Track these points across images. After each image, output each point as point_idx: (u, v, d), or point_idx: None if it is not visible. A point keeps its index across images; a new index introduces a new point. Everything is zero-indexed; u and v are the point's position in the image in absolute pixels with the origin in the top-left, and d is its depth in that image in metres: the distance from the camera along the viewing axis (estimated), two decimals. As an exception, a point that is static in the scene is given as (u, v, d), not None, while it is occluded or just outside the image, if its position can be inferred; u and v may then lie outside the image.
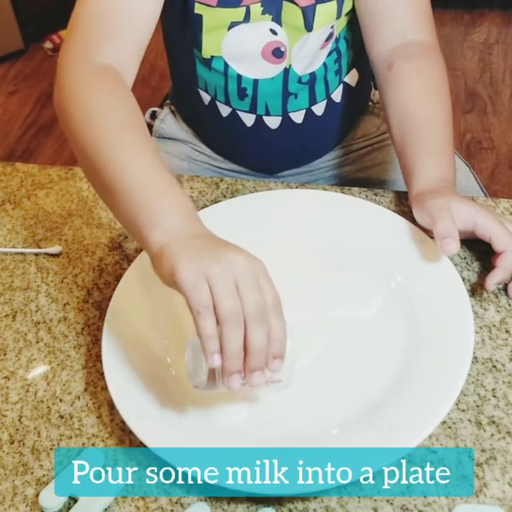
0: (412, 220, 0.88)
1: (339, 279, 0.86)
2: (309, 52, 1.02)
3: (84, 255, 0.95)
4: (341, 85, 1.11)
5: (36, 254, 0.95)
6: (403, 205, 0.96)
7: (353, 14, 1.03)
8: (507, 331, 0.82)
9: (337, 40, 1.05)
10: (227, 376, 0.64)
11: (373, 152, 1.21)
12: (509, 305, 0.84)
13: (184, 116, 1.22)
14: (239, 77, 1.03)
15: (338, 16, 1.00)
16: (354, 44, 1.09)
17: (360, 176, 1.21)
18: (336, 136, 1.20)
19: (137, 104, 0.81)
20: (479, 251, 0.90)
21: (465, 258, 0.89)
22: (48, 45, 2.86)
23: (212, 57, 1.01)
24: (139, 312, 0.83)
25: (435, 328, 0.79)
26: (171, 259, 0.66)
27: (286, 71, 1.03)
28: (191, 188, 1.00)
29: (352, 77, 1.12)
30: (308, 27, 0.98)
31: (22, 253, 0.96)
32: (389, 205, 0.96)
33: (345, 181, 1.22)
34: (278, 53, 1.00)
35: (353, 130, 1.21)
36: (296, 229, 0.90)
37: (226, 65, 1.02)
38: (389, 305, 0.83)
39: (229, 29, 0.98)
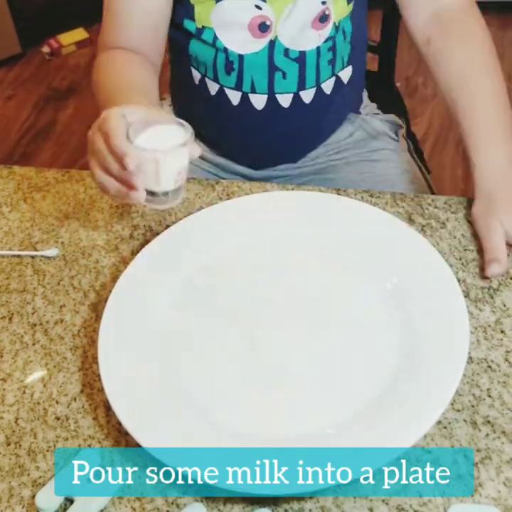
0: (408, 221, 0.88)
1: (335, 280, 0.87)
2: (296, 21, 1.03)
3: (80, 257, 0.95)
4: (333, 78, 1.11)
5: (33, 257, 0.95)
6: (399, 206, 0.96)
7: (356, 10, 1.04)
8: (502, 332, 0.82)
9: (336, 29, 1.06)
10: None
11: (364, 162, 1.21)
12: (504, 305, 0.85)
13: (179, 105, 1.24)
14: (225, 49, 1.05)
15: None
16: (353, 40, 1.10)
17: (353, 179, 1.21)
18: (323, 132, 1.20)
19: (143, 67, 1.02)
20: (474, 251, 0.90)
21: (460, 259, 0.90)
22: (45, 49, 2.86)
23: (203, 27, 1.04)
24: (135, 314, 0.83)
25: (431, 329, 0.79)
26: None
27: (272, 43, 1.04)
28: (187, 189, 1.01)
29: (345, 74, 1.13)
30: None
31: (18, 256, 0.96)
32: (385, 206, 0.96)
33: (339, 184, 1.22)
34: (263, 27, 1.03)
35: (339, 130, 1.21)
36: (291, 230, 0.90)
37: (215, 37, 1.04)
38: (385, 306, 0.83)
39: (217, 2, 1.01)
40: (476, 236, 0.92)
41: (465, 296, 0.85)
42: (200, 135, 1.21)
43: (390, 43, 1.45)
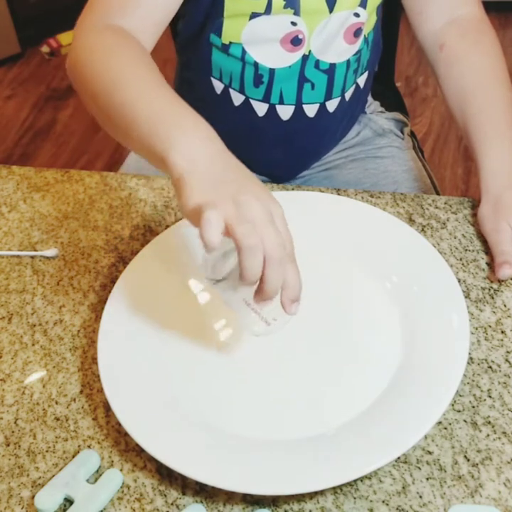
0: (408, 221, 0.88)
1: (334, 280, 0.87)
2: (330, 36, 1.01)
3: (80, 258, 0.95)
4: (354, 85, 1.11)
5: (32, 257, 0.95)
6: (399, 206, 0.96)
7: (378, 18, 1.04)
8: (503, 332, 0.82)
9: (365, 41, 1.05)
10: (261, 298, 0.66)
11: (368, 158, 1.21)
12: (505, 306, 0.85)
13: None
14: (256, 63, 1.03)
15: (363, 5, 1.00)
16: (373, 46, 1.09)
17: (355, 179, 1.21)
18: (339, 137, 1.20)
19: (147, 52, 0.85)
20: (475, 252, 0.90)
21: (461, 259, 0.90)
22: (45, 48, 2.86)
23: (230, 43, 1.01)
24: (134, 314, 0.83)
25: (431, 329, 0.79)
26: (189, 194, 0.65)
27: (305, 57, 1.03)
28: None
29: (363, 79, 1.13)
30: (330, 7, 0.98)
31: (18, 256, 0.96)
32: (385, 206, 0.96)
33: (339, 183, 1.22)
34: (296, 41, 1.00)
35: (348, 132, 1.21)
36: (291, 230, 0.90)
37: (244, 52, 1.02)
38: (384, 306, 0.83)
39: (250, 19, 0.98)
40: (477, 236, 0.92)
41: (465, 297, 0.85)
42: None
43: (390, 43, 1.44)
